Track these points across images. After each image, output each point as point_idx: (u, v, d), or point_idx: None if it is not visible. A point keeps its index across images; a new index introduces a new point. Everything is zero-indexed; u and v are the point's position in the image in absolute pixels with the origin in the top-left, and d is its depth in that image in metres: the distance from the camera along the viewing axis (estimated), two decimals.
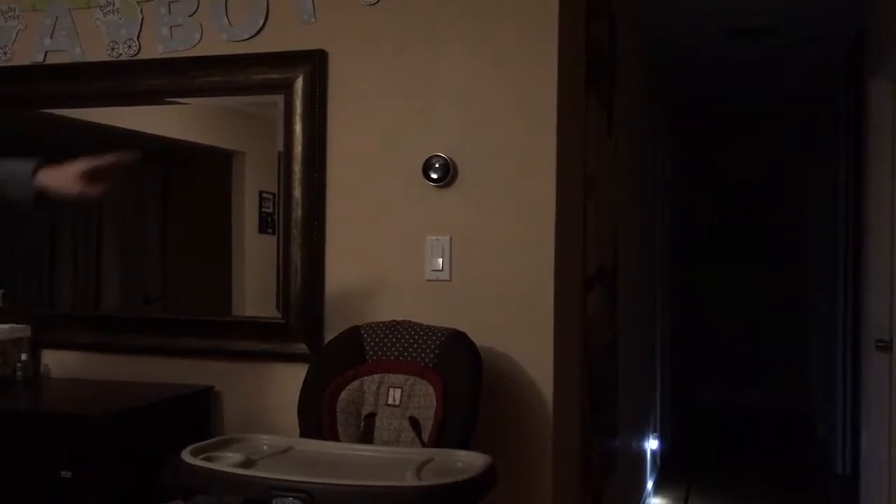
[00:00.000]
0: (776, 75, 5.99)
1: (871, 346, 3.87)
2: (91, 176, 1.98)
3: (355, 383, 2.27)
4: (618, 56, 3.52)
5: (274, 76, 2.58)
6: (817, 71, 5.80)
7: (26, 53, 2.85)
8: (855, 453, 4.71)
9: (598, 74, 3.02)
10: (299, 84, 2.55)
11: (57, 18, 2.81)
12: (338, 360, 2.31)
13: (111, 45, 2.76)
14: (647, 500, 4.96)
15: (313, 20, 2.57)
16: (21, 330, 2.75)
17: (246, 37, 2.63)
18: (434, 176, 2.44)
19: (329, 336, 2.48)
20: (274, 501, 1.73)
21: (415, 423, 2.20)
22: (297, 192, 2.56)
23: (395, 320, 2.37)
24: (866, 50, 4.35)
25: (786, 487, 5.46)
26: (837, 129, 5.44)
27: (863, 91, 4.28)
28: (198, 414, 2.61)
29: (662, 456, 5.70)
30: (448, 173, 2.43)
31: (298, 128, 2.56)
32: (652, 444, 5.19)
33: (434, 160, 2.44)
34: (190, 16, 2.68)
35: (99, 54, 2.77)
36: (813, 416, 6.96)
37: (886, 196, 3.60)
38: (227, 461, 1.91)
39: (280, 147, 2.60)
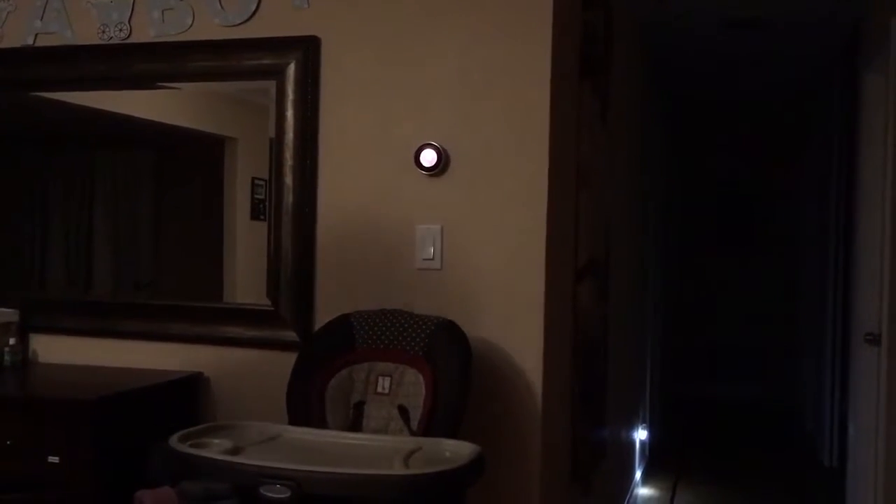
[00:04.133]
0: (771, 68, 5.98)
1: (859, 340, 3.88)
2: None
3: (344, 371, 2.26)
4: (613, 46, 3.51)
5: (266, 62, 2.57)
6: (812, 65, 5.79)
7: (16, 36, 2.82)
8: (842, 446, 4.74)
9: (592, 64, 3.01)
10: (291, 70, 2.54)
11: (47, 0, 2.78)
12: (327, 348, 2.30)
13: (102, 28, 2.74)
14: (636, 491, 4.97)
15: (306, 6, 2.55)
16: (9, 314, 2.74)
17: (238, 22, 2.61)
18: (426, 164, 2.43)
19: (319, 323, 2.47)
20: (261, 488, 1.73)
21: (403, 412, 2.20)
22: (287, 178, 2.55)
23: (385, 308, 2.36)
24: (861, 45, 4.35)
25: (773, 479, 5.48)
26: (831, 124, 5.44)
27: (857, 86, 4.28)
28: (187, 400, 2.60)
29: (651, 447, 5.72)
30: (440, 162, 2.42)
31: (290, 114, 2.55)
32: (641, 435, 5.20)
33: (426, 148, 2.43)
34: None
35: (90, 37, 2.75)
36: (801, 408, 6.99)
37: (878, 191, 3.60)
38: (215, 448, 1.90)
39: (272, 133, 2.59)
